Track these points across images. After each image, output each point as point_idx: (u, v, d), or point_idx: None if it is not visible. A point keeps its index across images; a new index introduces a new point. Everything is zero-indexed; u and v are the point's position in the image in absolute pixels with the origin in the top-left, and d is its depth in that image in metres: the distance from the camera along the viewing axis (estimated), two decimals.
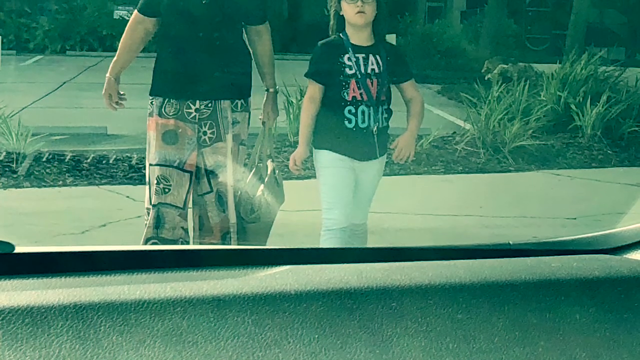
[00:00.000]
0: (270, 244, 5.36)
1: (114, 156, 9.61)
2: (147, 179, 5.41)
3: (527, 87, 11.53)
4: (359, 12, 5.10)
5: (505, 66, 14.62)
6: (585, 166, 10.63)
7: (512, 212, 7.20)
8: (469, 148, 10.51)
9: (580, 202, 8.72)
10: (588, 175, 10.11)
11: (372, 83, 5.12)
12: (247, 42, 5.51)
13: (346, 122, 5.10)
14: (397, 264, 1.99)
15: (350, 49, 5.15)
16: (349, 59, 5.13)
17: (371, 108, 5.10)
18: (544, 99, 11.86)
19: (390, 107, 5.27)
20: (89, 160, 9.35)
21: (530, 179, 9.71)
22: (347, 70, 5.12)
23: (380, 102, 5.14)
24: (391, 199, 7.26)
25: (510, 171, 10.00)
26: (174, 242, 5.29)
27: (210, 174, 5.38)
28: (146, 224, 5.38)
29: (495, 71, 14.41)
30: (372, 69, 5.14)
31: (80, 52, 21.98)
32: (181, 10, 5.35)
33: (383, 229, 6.88)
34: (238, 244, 5.28)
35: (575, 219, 8.04)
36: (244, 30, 5.50)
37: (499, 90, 11.25)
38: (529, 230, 7.38)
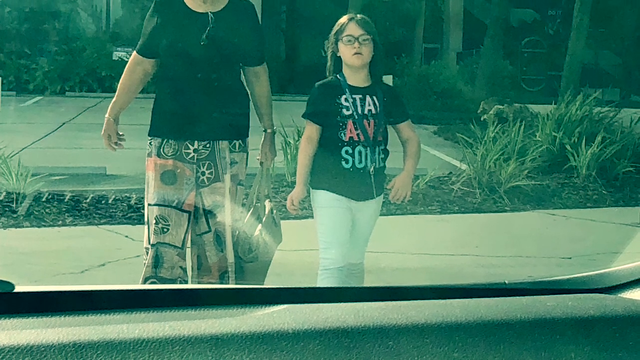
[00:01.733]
0: (267, 283, 5.35)
1: (113, 196, 9.62)
2: (145, 219, 5.41)
3: (522, 127, 11.56)
4: (355, 53, 5.14)
5: (501, 107, 14.67)
6: (581, 206, 10.64)
7: (508, 252, 7.20)
8: (465, 188, 10.52)
9: (575, 242, 8.72)
10: (583, 215, 10.12)
11: (369, 124, 5.14)
12: (245, 83, 5.54)
13: (343, 163, 5.12)
14: (393, 303, 2.00)
15: (347, 89, 5.17)
16: (346, 99, 5.15)
17: (368, 148, 5.12)
18: (539, 139, 11.90)
19: (387, 147, 5.29)
20: (88, 200, 9.35)
21: (526, 219, 9.72)
22: (344, 111, 5.14)
23: (377, 142, 5.16)
24: (388, 239, 7.26)
25: (505, 211, 10.00)
26: (173, 281, 5.29)
27: (209, 213, 5.37)
28: (145, 264, 5.37)
29: (491, 112, 14.45)
30: (369, 110, 5.15)
31: (80, 93, 22.03)
32: (179, 52, 5.37)
33: (380, 268, 6.85)
34: (236, 283, 5.26)
35: (570, 258, 8.04)
36: (242, 71, 5.52)
37: (495, 131, 11.29)
38: (525, 270, 7.38)
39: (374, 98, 5.19)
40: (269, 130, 5.58)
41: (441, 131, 17.00)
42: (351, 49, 5.15)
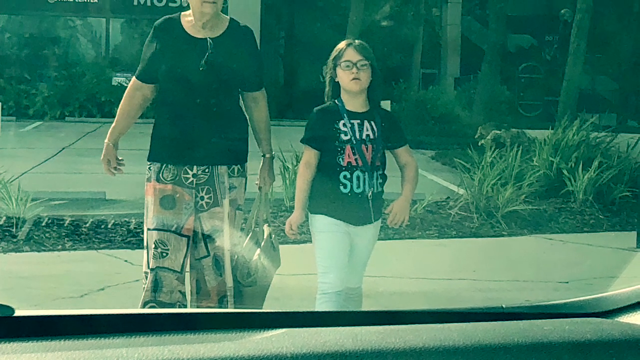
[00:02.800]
0: (266, 307, 5.35)
1: (113, 221, 9.61)
2: (145, 243, 5.41)
3: (519, 152, 11.57)
4: (354, 78, 5.15)
5: (498, 132, 14.69)
6: (577, 231, 10.64)
7: (505, 276, 7.20)
8: (462, 213, 10.53)
9: (572, 266, 8.71)
10: (580, 240, 10.12)
11: (367, 149, 5.15)
12: (243, 108, 5.55)
13: (341, 187, 5.12)
14: (391, 327, 2.01)
15: (345, 115, 5.18)
16: (344, 125, 5.16)
17: (366, 173, 5.13)
18: (536, 164, 11.92)
19: (385, 172, 5.29)
20: (87, 225, 9.35)
21: (523, 244, 9.71)
22: (342, 136, 5.15)
23: (375, 167, 5.17)
24: (386, 263, 7.26)
25: (503, 235, 10.01)
26: (172, 305, 5.28)
27: (208, 238, 5.37)
28: (144, 288, 5.37)
29: (489, 137, 14.46)
30: (367, 135, 5.16)
31: (79, 118, 22.06)
32: (178, 77, 5.37)
33: (378, 293, 6.87)
34: (235, 307, 5.25)
35: (567, 282, 8.04)
36: (240, 96, 5.53)
37: (492, 156, 11.30)
38: (522, 294, 7.38)
39: (372, 123, 5.20)
40: (267, 155, 5.58)
41: (439, 156, 17.01)
42: (349, 74, 5.15)
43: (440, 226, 10.29)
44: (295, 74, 27.93)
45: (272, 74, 32.23)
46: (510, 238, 9.91)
